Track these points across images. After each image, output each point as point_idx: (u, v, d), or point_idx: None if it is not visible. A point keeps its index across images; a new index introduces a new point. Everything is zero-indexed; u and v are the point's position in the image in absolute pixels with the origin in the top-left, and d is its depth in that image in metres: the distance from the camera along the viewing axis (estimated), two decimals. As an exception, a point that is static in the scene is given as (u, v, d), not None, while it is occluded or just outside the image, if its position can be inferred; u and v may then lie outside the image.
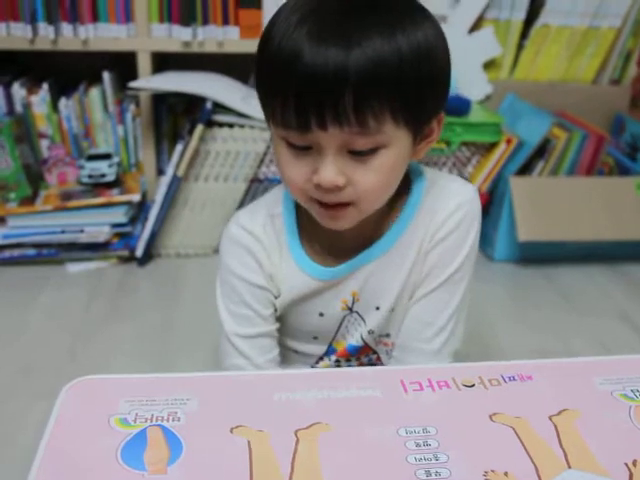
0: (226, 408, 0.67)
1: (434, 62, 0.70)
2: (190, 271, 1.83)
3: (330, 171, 0.68)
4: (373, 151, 0.69)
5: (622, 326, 1.60)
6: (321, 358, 0.90)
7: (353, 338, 0.88)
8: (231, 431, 0.64)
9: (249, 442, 0.62)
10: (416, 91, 0.68)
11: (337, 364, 0.90)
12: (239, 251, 0.84)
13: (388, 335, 0.89)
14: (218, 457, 0.60)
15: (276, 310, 0.88)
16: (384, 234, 0.83)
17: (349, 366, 0.91)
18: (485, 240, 1.91)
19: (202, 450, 0.61)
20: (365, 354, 0.90)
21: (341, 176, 0.69)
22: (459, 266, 0.83)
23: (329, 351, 0.89)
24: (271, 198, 0.87)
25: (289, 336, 0.91)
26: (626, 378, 0.74)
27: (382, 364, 0.91)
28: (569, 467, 0.61)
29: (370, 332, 0.88)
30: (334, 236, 0.82)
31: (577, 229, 1.80)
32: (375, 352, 0.91)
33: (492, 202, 1.91)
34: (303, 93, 0.65)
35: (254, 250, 0.83)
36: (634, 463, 0.61)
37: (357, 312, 0.86)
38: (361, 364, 0.91)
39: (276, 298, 0.86)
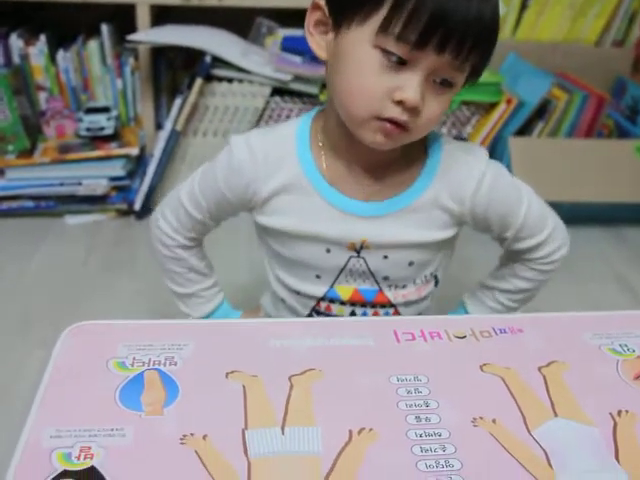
0: (222, 354, 0.68)
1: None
2: (188, 225, 1.83)
3: (418, 92, 0.71)
4: (448, 85, 0.74)
5: (618, 289, 1.62)
6: (320, 301, 0.91)
7: (365, 282, 0.89)
8: (226, 376, 0.65)
9: (244, 387, 0.64)
10: (493, 47, 0.75)
11: (352, 313, 0.91)
12: (229, 163, 0.86)
13: (405, 287, 0.91)
14: (213, 400, 0.62)
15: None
16: (404, 191, 0.84)
17: (364, 315, 0.91)
18: (483, 200, 1.92)
19: (198, 393, 0.63)
20: (382, 305, 0.92)
21: (422, 100, 0.72)
22: (525, 207, 0.88)
23: (330, 293, 0.90)
24: (285, 126, 0.88)
25: (291, 274, 0.92)
26: (615, 333, 0.75)
27: None
28: (555, 416, 0.62)
29: (385, 279, 0.89)
30: (356, 171, 0.84)
31: (575, 191, 1.81)
32: (393, 305, 0.92)
33: (491, 162, 1.91)
34: (441, 17, 0.68)
35: (244, 171, 0.84)
36: (619, 413, 0.63)
37: (364, 258, 0.87)
38: (377, 315, 0.91)
39: (269, 230, 0.88)
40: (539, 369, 0.68)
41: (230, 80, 1.79)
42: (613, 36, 2.10)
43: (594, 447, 0.59)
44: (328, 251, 0.86)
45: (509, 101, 1.83)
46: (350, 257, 0.87)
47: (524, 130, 1.89)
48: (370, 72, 0.72)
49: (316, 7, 0.77)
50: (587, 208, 1.87)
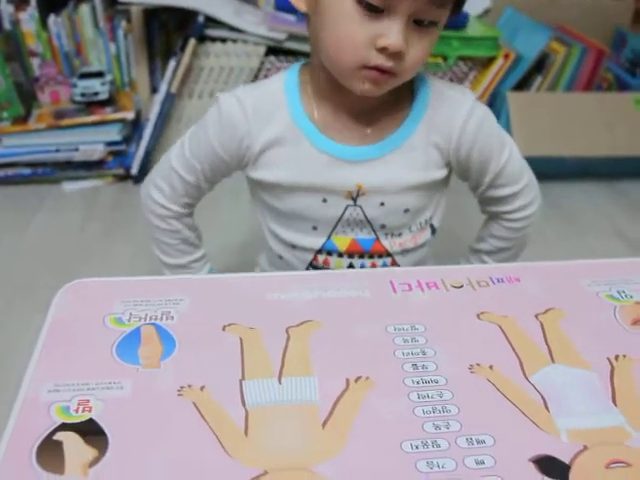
0: (218, 308, 0.68)
1: None
2: (185, 189, 1.83)
3: (400, 37, 0.72)
4: (432, 24, 0.74)
5: (616, 241, 1.62)
6: (318, 252, 0.91)
7: (362, 232, 0.89)
8: (223, 329, 0.65)
9: (241, 339, 0.64)
10: None
11: (350, 265, 0.92)
12: (219, 120, 0.85)
13: (400, 235, 0.91)
14: (210, 353, 0.62)
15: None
16: (394, 132, 0.85)
17: (362, 266, 0.92)
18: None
19: (195, 346, 0.63)
20: (379, 255, 0.92)
21: (405, 44, 0.73)
22: (506, 154, 0.90)
23: (327, 245, 0.90)
24: (273, 80, 0.88)
25: (287, 227, 0.91)
26: (613, 280, 0.75)
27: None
28: (553, 362, 0.62)
29: (382, 227, 0.89)
30: (346, 117, 0.84)
31: (574, 145, 1.80)
32: (390, 254, 0.92)
33: (489, 118, 1.90)
34: None
35: (235, 127, 0.84)
36: (616, 358, 0.63)
37: (361, 207, 0.87)
38: (374, 265, 0.91)
39: (264, 184, 0.88)
40: (536, 316, 0.68)
41: (224, 40, 1.78)
42: (612, -13, 2.08)
43: (591, 391, 0.59)
44: (324, 201, 0.86)
45: (507, 55, 1.82)
46: (347, 206, 0.87)
47: (522, 85, 1.88)
48: (351, 23, 0.72)
49: None
50: (586, 162, 1.87)
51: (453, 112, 0.85)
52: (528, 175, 0.94)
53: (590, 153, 1.81)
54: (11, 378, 1.09)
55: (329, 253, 0.90)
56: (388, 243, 0.90)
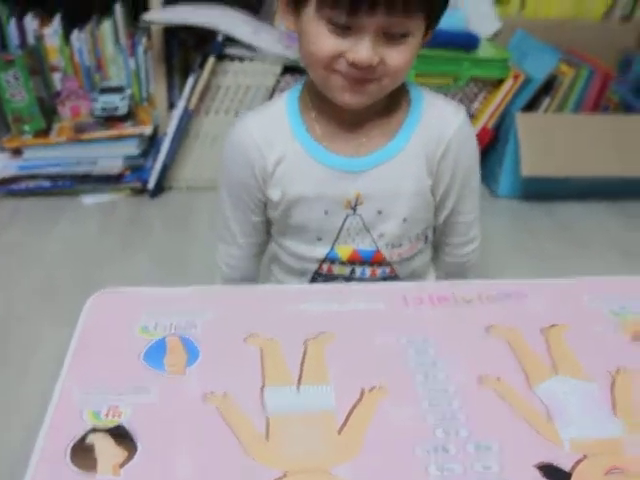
0: (240, 318, 0.72)
1: None
2: (201, 203, 1.87)
3: (368, 51, 0.77)
4: (404, 36, 0.79)
5: (623, 263, 1.64)
6: (322, 263, 0.95)
7: (363, 242, 0.93)
8: (244, 340, 0.69)
9: (261, 349, 0.68)
10: None
11: (352, 272, 0.96)
12: (234, 154, 0.93)
13: (400, 245, 0.95)
14: (232, 361, 0.66)
15: (268, 221, 0.98)
16: (389, 141, 0.89)
17: (363, 273, 0.96)
18: (489, 176, 1.94)
19: (218, 355, 0.67)
20: (379, 264, 0.96)
21: (376, 56, 0.78)
22: (475, 181, 0.96)
23: (331, 254, 0.94)
24: (275, 101, 0.94)
25: (294, 238, 0.96)
26: (614, 296, 0.78)
27: (397, 277, 0.97)
28: (556, 374, 0.66)
29: (381, 236, 0.93)
30: (343, 129, 0.89)
31: (581, 165, 1.83)
32: (389, 264, 0.96)
33: (498, 138, 1.93)
34: None
35: (248, 154, 0.90)
36: (617, 371, 0.66)
37: (360, 216, 0.91)
38: (374, 273, 0.96)
39: (275, 202, 0.93)
40: (541, 331, 0.72)
41: (242, 59, 1.82)
42: (620, 11, 2.11)
43: (593, 401, 0.62)
44: (326, 212, 0.91)
45: (516, 77, 1.85)
46: (347, 215, 0.91)
47: (531, 105, 1.91)
48: (323, 39, 0.78)
49: None
50: (592, 182, 1.90)
51: (444, 124, 0.90)
52: (479, 207, 1.00)
53: (597, 173, 1.84)
54: (33, 379, 1.13)
55: (332, 262, 0.95)
56: (388, 253, 0.95)
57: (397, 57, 0.80)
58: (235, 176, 0.94)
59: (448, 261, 1.04)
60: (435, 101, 0.92)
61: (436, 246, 1.05)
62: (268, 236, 1.02)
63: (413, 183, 0.90)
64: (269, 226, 1.00)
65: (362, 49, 0.77)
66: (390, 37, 0.78)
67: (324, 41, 0.78)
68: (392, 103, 0.90)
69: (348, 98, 0.83)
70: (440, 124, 0.90)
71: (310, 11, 0.79)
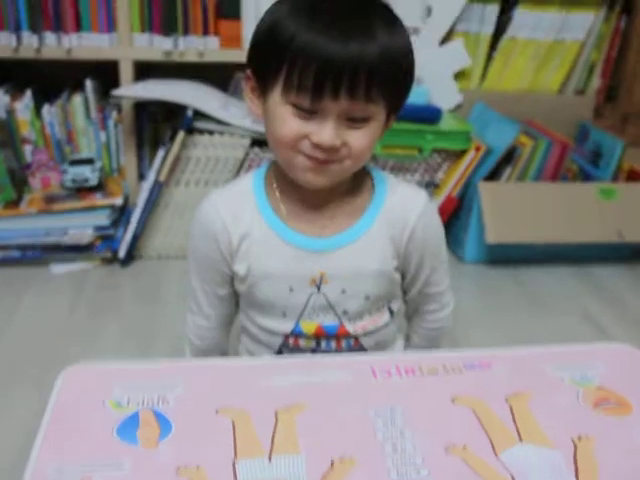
0: (211, 392, 0.73)
1: (412, 59, 0.86)
2: (171, 272, 1.89)
3: (331, 134, 0.81)
4: (366, 120, 0.83)
5: (584, 323, 1.69)
6: (288, 337, 0.97)
7: (326, 318, 0.95)
8: (216, 412, 0.70)
9: (233, 421, 0.69)
10: (402, 79, 0.85)
11: (317, 344, 0.98)
12: (201, 229, 0.96)
13: (362, 319, 0.97)
14: (205, 434, 0.67)
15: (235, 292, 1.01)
16: (353, 223, 0.93)
17: (328, 345, 0.98)
18: (455, 242, 1.99)
19: (190, 428, 0.68)
20: (343, 337, 0.98)
21: (338, 138, 0.82)
22: (443, 253, 1.01)
23: (296, 329, 0.96)
24: (242, 179, 0.99)
25: (260, 312, 0.98)
26: (576, 365, 0.81)
27: (363, 348, 0.99)
28: (521, 441, 0.68)
29: (344, 312, 0.95)
30: (309, 210, 0.93)
31: (542, 232, 1.88)
32: (353, 336, 0.98)
33: (462, 206, 1.99)
34: (325, 71, 0.78)
35: (214, 228, 0.94)
36: (579, 438, 0.68)
37: (324, 294, 0.94)
38: (339, 345, 0.97)
39: (241, 276, 0.95)
40: (506, 399, 0.74)
41: (211, 132, 1.86)
42: (574, 85, 2.22)
43: (556, 469, 0.64)
44: (291, 290, 0.93)
45: (478, 148, 1.92)
46: (311, 294, 0.94)
47: (493, 175, 1.97)
48: (288, 122, 0.82)
49: (248, 77, 0.89)
50: (555, 248, 1.95)
51: (408, 208, 0.94)
52: (449, 274, 1.05)
53: (557, 240, 1.90)
54: (3, 454, 1.11)
55: (298, 336, 0.97)
56: (351, 327, 0.97)
57: (359, 140, 0.84)
58: (202, 250, 0.97)
59: (425, 326, 1.08)
60: (397, 186, 0.96)
61: (411, 315, 1.09)
62: (236, 307, 1.04)
63: (377, 264, 0.94)
64: (237, 298, 1.03)
65: (325, 132, 0.81)
66: (353, 121, 0.82)
67: (289, 124, 0.82)
68: (355, 186, 0.94)
69: (311, 178, 0.86)
70: (403, 209, 0.94)
71: (276, 96, 0.83)
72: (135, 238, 1.88)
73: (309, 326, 0.96)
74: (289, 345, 0.98)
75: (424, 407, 0.72)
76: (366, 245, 0.93)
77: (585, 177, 2.07)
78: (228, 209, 0.94)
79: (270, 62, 0.82)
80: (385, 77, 0.80)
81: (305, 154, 0.84)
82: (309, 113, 0.81)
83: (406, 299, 1.06)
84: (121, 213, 1.95)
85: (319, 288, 0.93)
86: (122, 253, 1.88)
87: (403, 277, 1.00)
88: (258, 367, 0.79)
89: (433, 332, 1.08)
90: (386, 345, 1.04)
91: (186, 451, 0.64)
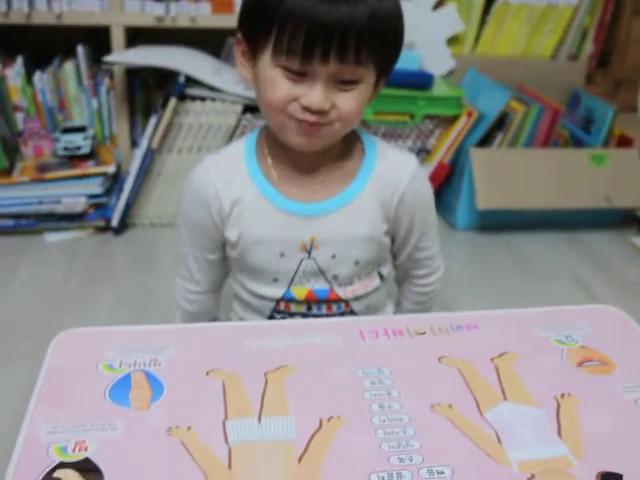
0: (202, 354, 0.75)
1: (402, 22, 0.87)
2: (164, 240, 1.89)
3: (320, 96, 0.82)
4: (355, 82, 0.84)
5: (574, 288, 1.71)
6: (279, 301, 0.99)
7: (317, 283, 0.97)
8: (207, 373, 0.71)
9: (223, 382, 0.70)
10: (391, 42, 0.85)
11: (308, 308, 0.99)
12: (192, 195, 0.97)
13: (351, 283, 0.99)
14: (196, 395, 0.68)
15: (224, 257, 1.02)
16: (344, 188, 0.94)
17: (319, 310, 0.99)
18: (447, 209, 2.00)
19: (181, 390, 0.69)
20: (334, 301, 0.99)
21: (327, 101, 0.83)
22: (433, 218, 1.02)
23: (287, 295, 0.97)
24: (233, 145, 1.00)
25: (251, 278, 0.99)
26: (561, 326, 0.83)
27: (353, 312, 1.00)
28: (505, 400, 0.69)
29: (334, 277, 0.97)
30: (299, 175, 0.93)
31: (533, 198, 1.89)
32: (344, 301, 0.99)
33: (454, 173, 1.99)
34: (314, 33, 0.78)
35: (206, 194, 0.94)
36: (562, 396, 0.70)
37: (314, 259, 0.95)
38: (330, 309, 0.99)
39: (233, 242, 0.96)
40: (491, 360, 0.75)
41: (203, 99, 1.86)
42: (567, 50, 2.21)
43: (539, 426, 0.66)
44: (282, 255, 0.95)
45: (470, 114, 1.92)
46: (302, 259, 0.95)
47: (485, 141, 1.97)
48: (279, 84, 0.83)
49: (238, 41, 0.89)
50: (546, 214, 1.96)
51: (398, 172, 0.95)
52: (439, 238, 1.06)
53: (548, 206, 1.91)
54: (5, 419, 1.13)
55: (289, 301, 0.98)
56: (342, 291, 0.98)
57: (348, 102, 0.85)
58: (193, 216, 0.98)
59: (416, 291, 1.09)
60: (387, 151, 0.97)
61: (402, 280, 1.10)
62: (226, 273, 1.06)
63: (367, 229, 0.95)
64: (226, 263, 1.04)
65: (315, 94, 0.82)
66: (342, 83, 0.83)
67: (279, 86, 0.83)
68: (346, 150, 0.95)
69: (302, 141, 0.87)
70: (393, 173, 0.95)
71: (266, 59, 0.83)
72: (128, 206, 1.88)
73: (300, 291, 0.97)
74: (280, 310, 0.99)
75: (411, 367, 0.74)
76: (357, 210, 0.93)
77: (576, 143, 2.08)
78: (220, 175, 0.94)
79: (260, 25, 0.83)
80: (374, 39, 0.81)
81: (295, 117, 0.84)
82: (299, 75, 0.82)
83: (396, 264, 1.07)
84: (114, 181, 1.95)
85: (310, 253, 0.94)
86: (115, 221, 1.88)
87: (393, 241, 1.01)
88: (248, 330, 0.80)
89: (423, 297, 1.09)
90: (376, 310, 1.05)
91: (177, 412, 0.66)
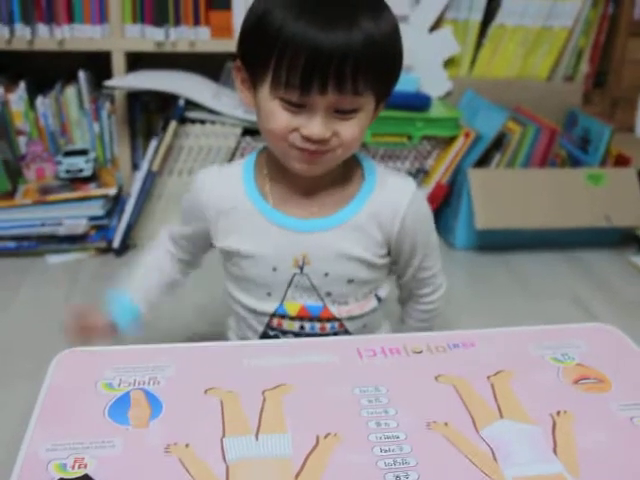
0: (201, 373, 0.76)
1: (400, 45, 0.87)
2: (165, 262, 1.89)
3: (320, 127, 0.83)
4: (354, 111, 0.85)
5: (574, 308, 1.71)
6: (272, 316, 0.99)
7: (310, 298, 0.97)
8: (205, 392, 0.72)
9: (221, 401, 0.71)
10: (389, 66, 0.86)
11: (301, 327, 0.99)
12: (190, 197, 1.01)
13: (346, 303, 0.99)
14: (194, 413, 0.69)
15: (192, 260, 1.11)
16: (340, 209, 0.95)
17: (312, 328, 0.99)
18: (446, 229, 2.01)
19: (180, 408, 0.70)
20: (328, 320, 0.99)
21: (328, 130, 0.84)
22: (434, 238, 1.03)
23: (280, 310, 0.98)
24: (234, 164, 1.02)
25: (245, 292, 1.00)
26: (557, 344, 0.83)
27: (347, 332, 1.01)
28: (501, 417, 0.70)
29: (328, 294, 0.97)
30: (297, 196, 0.95)
31: (532, 217, 1.90)
32: (337, 319, 1.00)
33: (452, 193, 2.00)
34: (312, 61, 0.79)
35: (202, 200, 0.98)
36: (558, 414, 0.71)
37: (307, 275, 0.95)
38: (323, 328, 0.99)
39: (226, 252, 1.00)
40: (488, 378, 0.76)
41: (203, 122, 1.88)
42: (563, 72, 2.23)
43: (535, 443, 0.67)
44: (274, 269, 0.95)
45: (467, 135, 1.93)
46: (294, 274, 0.96)
47: (482, 161, 1.98)
48: (278, 117, 0.84)
49: (238, 68, 0.90)
50: (544, 233, 1.97)
51: (397, 197, 0.96)
52: (439, 259, 1.07)
53: (547, 225, 1.91)
54: (4, 437, 1.13)
55: (282, 317, 0.99)
56: (335, 310, 0.99)
57: (349, 129, 0.86)
58: (190, 216, 1.03)
59: (420, 309, 1.10)
60: (386, 176, 0.98)
61: (406, 299, 1.11)
62: (195, 268, 1.13)
63: (359, 249, 0.95)
64: (199, 261, 1.12)
65: (315, 125, 0.83)
66: (341, 112, 0.84)
67: (279, 118, 0.84)
68: (345, 174, 0.96)
69: (305, 168, 0.89)
70: (393, 198, 0.96)
71: (265, 91, 0.85)
72: (129, 227, 1.89)
73: (293, 306, 0.97)
74: (273, 326, 0.99)
75: (408, 385, 0.75)
76: (351, 230, 0.94)
77: (574, 163, 2.09)
78: (216, 186, 0.97)
79: (259, 54, 0.83)
80: (371, 65, 0.81)
81: (296, 146, 0.86)
82: (298, 107, 0.83)
83: (400, 283, 1.08)
84: (115, 203, 1.96)
85: (302, 269, 0.95)
86: (116, 243, 1.89)
87: (396, 263, 1.02)
88: (246, 349, 0.81)
89: (427, 314, 1.10)
90: (372, 330, 1.06)
91: (176, 430, 0.67)
